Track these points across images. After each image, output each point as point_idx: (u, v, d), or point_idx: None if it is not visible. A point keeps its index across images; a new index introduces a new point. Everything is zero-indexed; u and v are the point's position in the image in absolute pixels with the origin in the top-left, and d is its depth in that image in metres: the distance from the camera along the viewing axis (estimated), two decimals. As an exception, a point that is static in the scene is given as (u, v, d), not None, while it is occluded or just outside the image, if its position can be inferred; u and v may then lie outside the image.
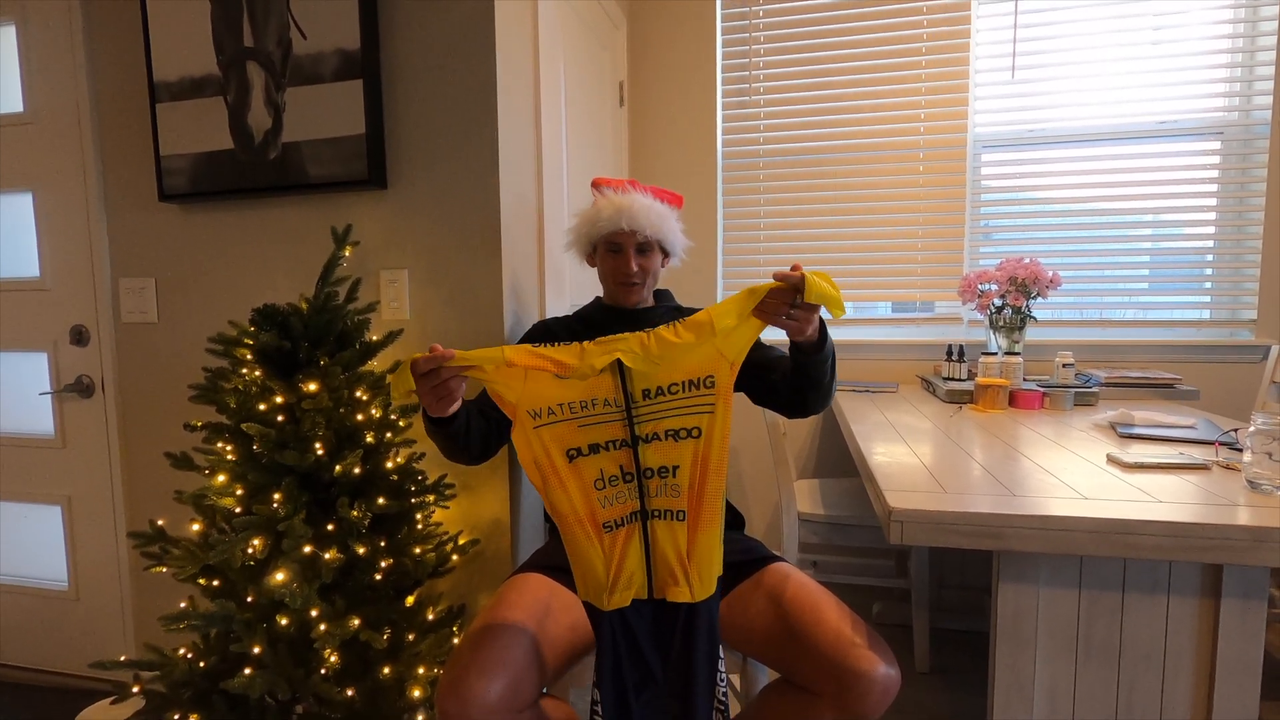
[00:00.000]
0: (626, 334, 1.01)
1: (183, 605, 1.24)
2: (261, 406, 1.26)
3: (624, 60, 2.51)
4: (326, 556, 1.22)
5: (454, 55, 1.52)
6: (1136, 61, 2.25)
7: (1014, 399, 1.91)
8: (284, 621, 1.22)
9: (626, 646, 1.01)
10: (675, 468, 1.02)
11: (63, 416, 1.90)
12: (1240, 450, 1.29)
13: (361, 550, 1.26)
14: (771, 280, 1.00)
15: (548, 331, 1.44)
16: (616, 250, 1.39)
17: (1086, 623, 1.05)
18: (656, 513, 1.02)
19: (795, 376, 1.21)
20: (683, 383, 1.01)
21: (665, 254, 1.45)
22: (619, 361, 1.00)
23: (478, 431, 1.22)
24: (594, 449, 1.02)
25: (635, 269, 1.38)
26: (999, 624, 1.07)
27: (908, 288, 2.48)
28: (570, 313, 1.53)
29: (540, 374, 1.00)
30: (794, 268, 0.98)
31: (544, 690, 1.10)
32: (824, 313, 1.05)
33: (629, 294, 1.41)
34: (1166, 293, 2.32)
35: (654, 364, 1.00)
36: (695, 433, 1.01)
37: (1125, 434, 1.50)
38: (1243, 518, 0.95)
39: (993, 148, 2.39)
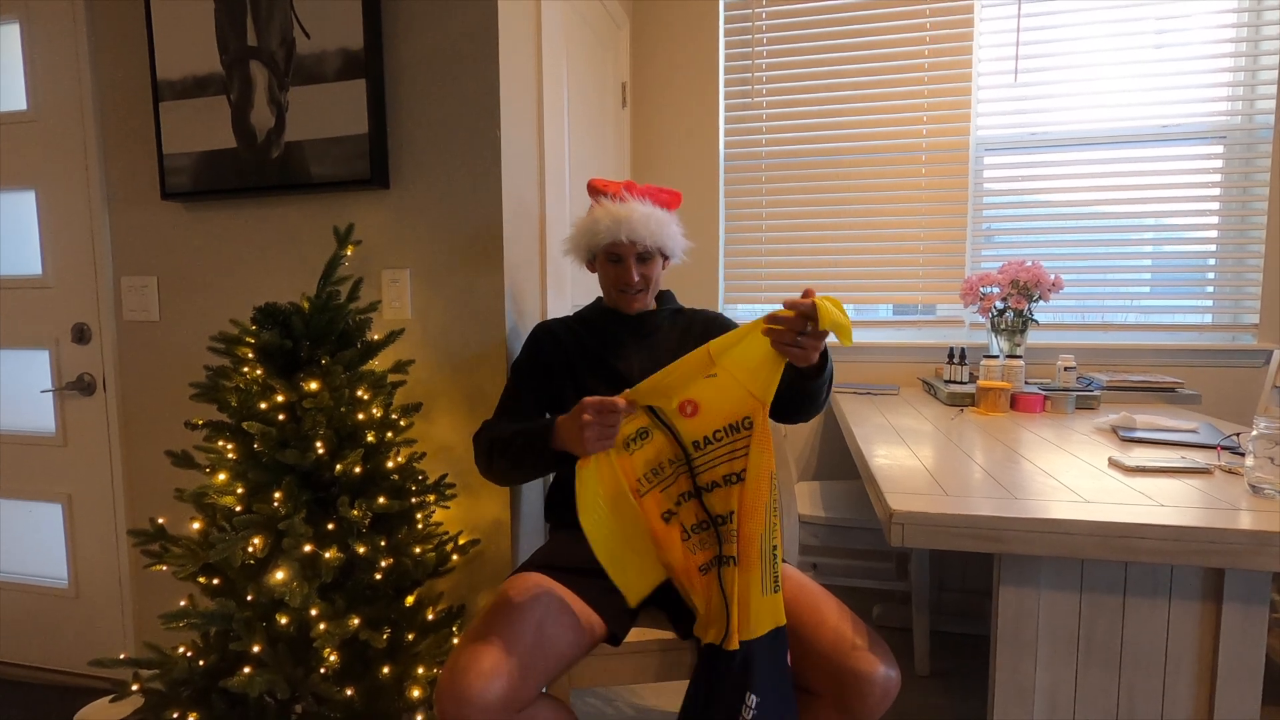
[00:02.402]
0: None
1: (182, 604, 1.24)
2: (262, 405, 1.26)
3: (627, 61, 2.52)
4: (326, 556, 1.22)
5: (457, 55, 1.52)
6: (1139, 65, 2.25)
7: (1015, 402, 1.90)
8: (284, 620, 1.22)
9: (729, 682, 1.05)
10: (732, 513, 1.08)
11: (64, 414, 1.90)
12: (1242, 454, 1.29)
13: (362, 550, 1.26)
14: (781, 308, 1.02)
15: (549, 332, 1.44)
16: (616, 260, 1.39)
17: (1087, 626, 1.05)
18: (727, 559, 1.08)
19: (791, 393, 1.22)
20: (725, 427, 1.08)
21: (665, 257, 1.45)
22: (664, 424, 1.10)
23: None
24: (678, 505, 1.12)
25: (636, 278, 1.37)
26: (999, 627, 1.07)
27: (909, 290, 2.47)
28: (570, 313, 1.52)
29: (622, 455, 1.10)
30: (806, 293, 0.99)
31: (543, 690, 1.10)
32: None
33: (630, 303, 1.41)
34: (1168, 296, 2.32)
35: (662, 391, 1.08)
36: (741, 477, 1.08)
37: (1127, 437, 1.50)
38: (1244, 522, 0.95)
39: (995, 151, 2.39)
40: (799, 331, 1.00)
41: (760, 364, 1.04)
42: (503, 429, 1.27)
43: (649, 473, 1.11)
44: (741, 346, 1.05)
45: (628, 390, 1.10)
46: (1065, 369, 2.04)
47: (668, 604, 1.23)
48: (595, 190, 1.41)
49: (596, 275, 1.48)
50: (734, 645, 1.05)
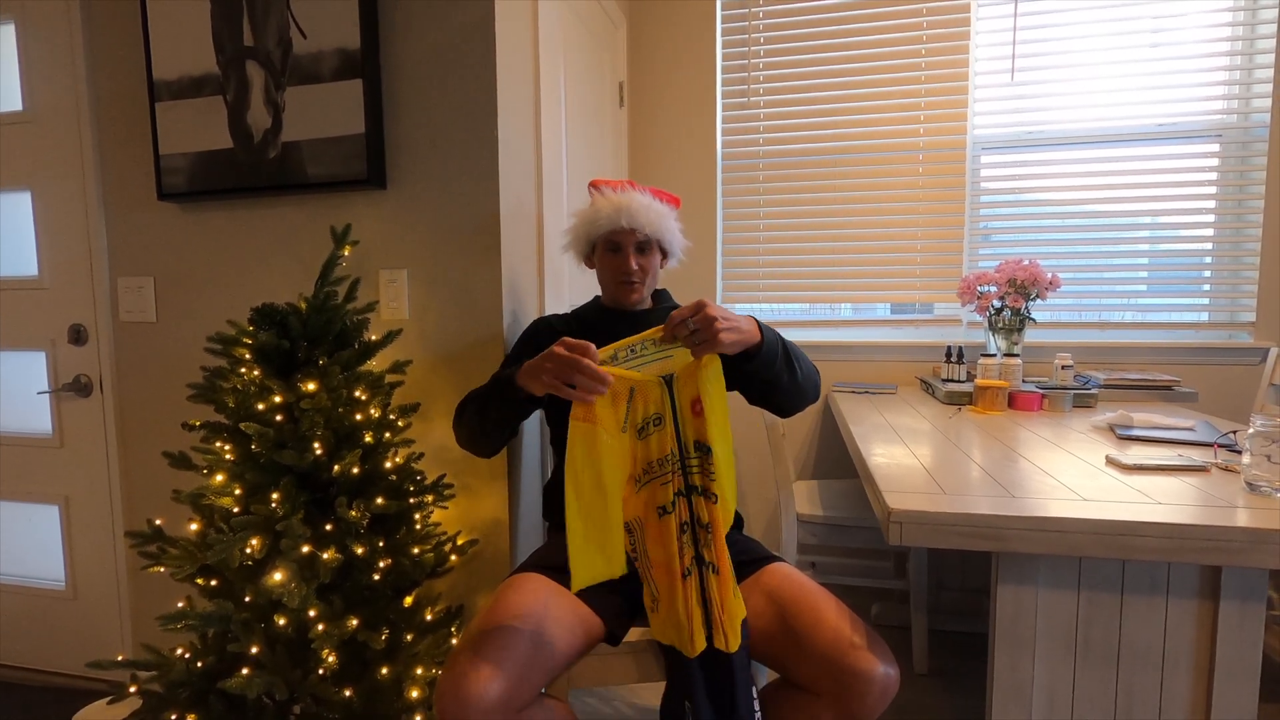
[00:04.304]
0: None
1: (180, 605, 1.24)
2: (260, 406, 1.26)
3: (624, 61, 2.52)
4: (325, 556, 1.22)
5: (454, 56, 1.52)
6: (1135, 64, 2.25)
7: (1013, 400, 1.91)
8: (282, 621, 1.21)
9: (707, 689, 1.07)
10: (709, 523, 1.10)
11: (61, 416, 1.89)
12: (1239, 452, 1.30)
13: (360, 550, 1.26)
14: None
15: (547, 325, 1.44)
16: (615, 249, 1.39)
17: (1085, 624, 1.05)
18: (707, 563, 1.09)
19: (748, 382, 1.25)
20: (705, 445, 1.10)
21: (664, 254, 1.45)
22: (675, 416, 1.10)
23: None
24: (674, 503, 1.11)
25: (635, 267, 1.38)
26: (997, 625, 1.07)
27: (907, 289, 2.48)
28: (569, 311, 1.53)
29: (633, 439, 1.10)
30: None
31: (542, 690, 1.10)
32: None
33: (628, 293, 1.41)
34: (1165, 295, 2.32)
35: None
36: (714, 498, 1.10)
37: (1124, 436, 1.51)
38: (1241, 519, 0.95)
39: (992, 149, 2.39)
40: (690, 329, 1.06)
41: (703, 379, 1.08)
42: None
43: (651, 463, 1.11)
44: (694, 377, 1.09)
45: (606, 354, 1.07)
46: (1062, 367, 2.04)
47: None
48: (596, 187, 1.42)
49: (595, 275, 1.48)
50: (735, 646, 1.07)
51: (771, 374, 1.20)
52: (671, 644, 1.10)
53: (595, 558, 1.05)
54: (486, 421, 1.26)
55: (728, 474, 1.10)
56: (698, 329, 1.05)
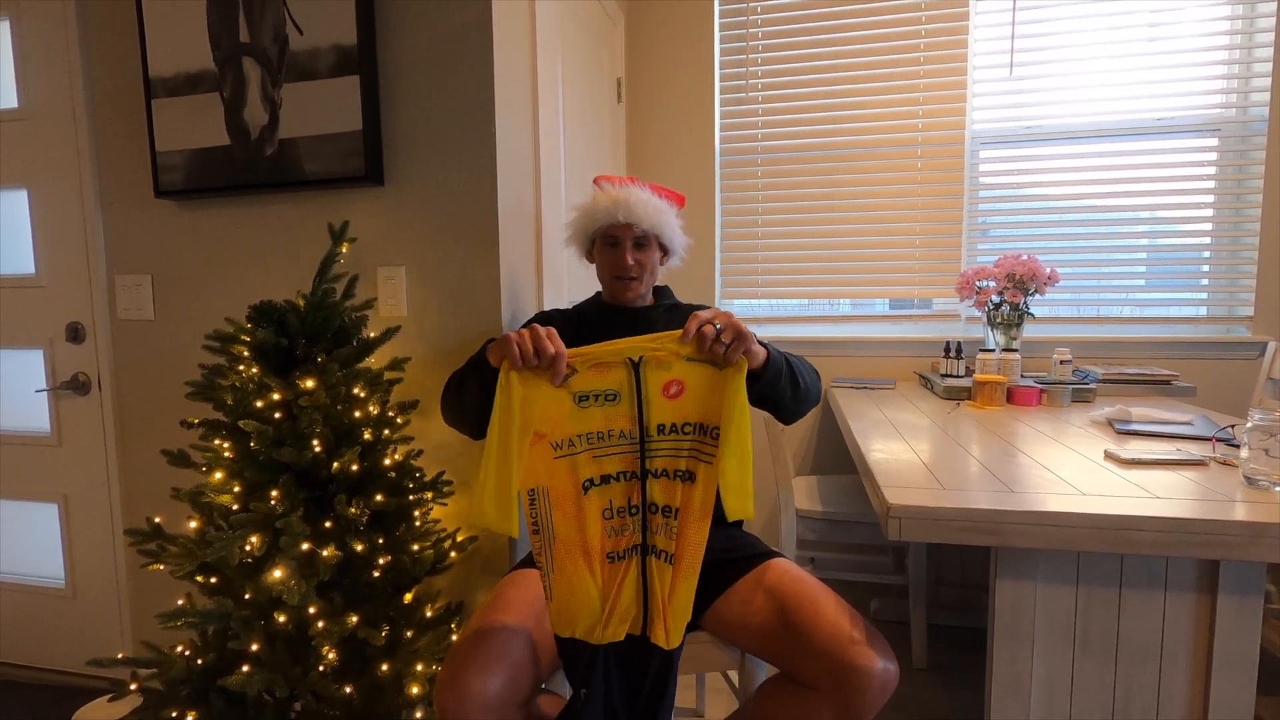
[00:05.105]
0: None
1: (180, 603, 1.24)
2: (259, 403, 1.26)
3: (622, 57, 2.51)
4: (324, 554, 1.22)
5: (451, 52, 1.51)
6: (1134, 58, 2.25)
7: (1012, 396, 1.91)
8: (282, 619, 1.21)
9: (618, 679, 1.04)
10: (676, 509, 1.03)
11: (59, 414, 1.89)
12: (1237, 446, 1.30)
13: (359, 547, 1.26)
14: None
15: (549, 319, 1.44)
16: (613, 244, 1.39)
17: (1084, 618, 1.06)
18: (655, 550, 1.04)
19: (756, 396, 1.20)
20: (696, 424, 1.03)
21: (665, 251, 1.45)
22: (638, 396, 1.03)
23: None
24: (605, 480, 1.04)
25: (631, 263, 1.37)
26: (996, 620, 1.07)
27: (906, 284, 2.48)
28: (570, 307, 1.52)
29: (564, 404, 1.02)
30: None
31: (542, 686, 1.10)
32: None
33: (625, 289, 1.40)
34: (1164, 289, 2.33)
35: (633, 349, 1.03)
36: (691, 477, 1.03)
37: (1123, 430, 1.51)
38: (1239, 513, 0.95)
39: (991, 145, 2.39)
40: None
41: (715, 385, 1.03)
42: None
43: (588, 434, 1.03)
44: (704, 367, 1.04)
45: (587, 350, 1.02)
46: (1061, 362, 2.04)
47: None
48: (598, 184, 1.42)
49: (594, 271, 1.48)
50: (676, 642, 1.01)
51: (775, 392, 1.18)
52: (571, 635, 1.02)
53: (489, 504, 0.97)
54: (464, 399, 1.20)
55: (735, 466, 1.00)
56: (732, 342, 1.00)
